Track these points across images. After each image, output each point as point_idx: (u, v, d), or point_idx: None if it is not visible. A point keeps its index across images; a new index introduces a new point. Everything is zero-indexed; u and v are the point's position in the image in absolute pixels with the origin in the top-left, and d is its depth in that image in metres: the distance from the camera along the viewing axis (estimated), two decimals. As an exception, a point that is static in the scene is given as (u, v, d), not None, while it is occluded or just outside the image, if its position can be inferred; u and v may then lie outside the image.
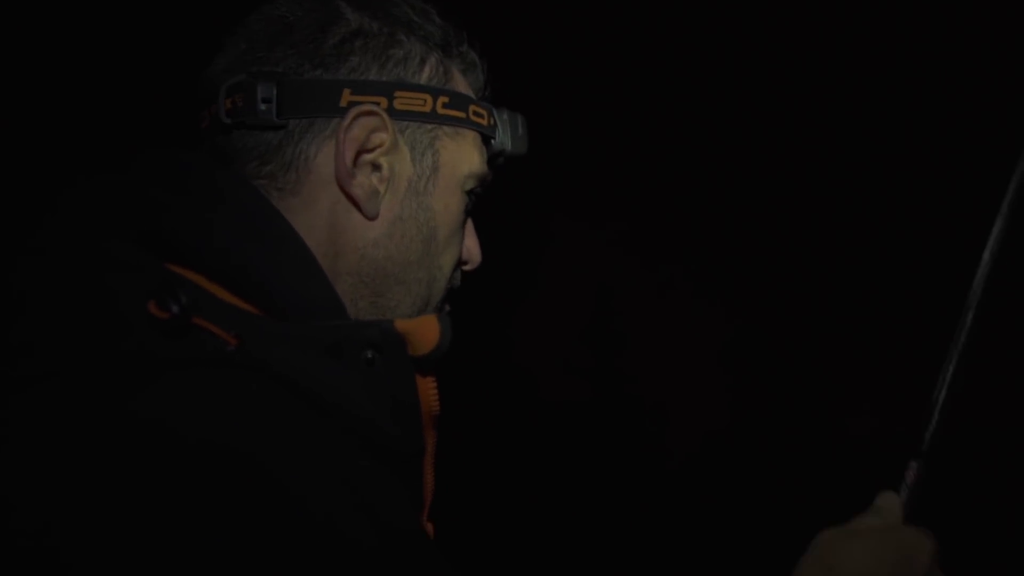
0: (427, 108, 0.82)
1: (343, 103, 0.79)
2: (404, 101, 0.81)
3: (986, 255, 0.89)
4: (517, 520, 3.00)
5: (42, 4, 1.91)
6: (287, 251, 0.77)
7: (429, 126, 0.83)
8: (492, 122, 0.89)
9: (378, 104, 0.79)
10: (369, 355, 0.73)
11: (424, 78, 0.83)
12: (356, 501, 0.64)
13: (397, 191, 0.82)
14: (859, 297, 3.09)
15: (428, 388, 0.78)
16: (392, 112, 0.80)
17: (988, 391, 2.73)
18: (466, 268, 0.93)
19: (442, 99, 0.83)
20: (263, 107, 0.77)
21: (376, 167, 0.81)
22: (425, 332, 0.76)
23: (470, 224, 0.92)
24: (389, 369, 0.74)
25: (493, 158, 0.91)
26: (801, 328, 3.17)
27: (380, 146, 0.80)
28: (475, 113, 0.86)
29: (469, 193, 0.88)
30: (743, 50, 2.94)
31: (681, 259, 3.23)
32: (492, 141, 0.90)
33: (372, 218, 0.80)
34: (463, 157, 0.85)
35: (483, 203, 0.93)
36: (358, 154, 0.79)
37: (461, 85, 0.87)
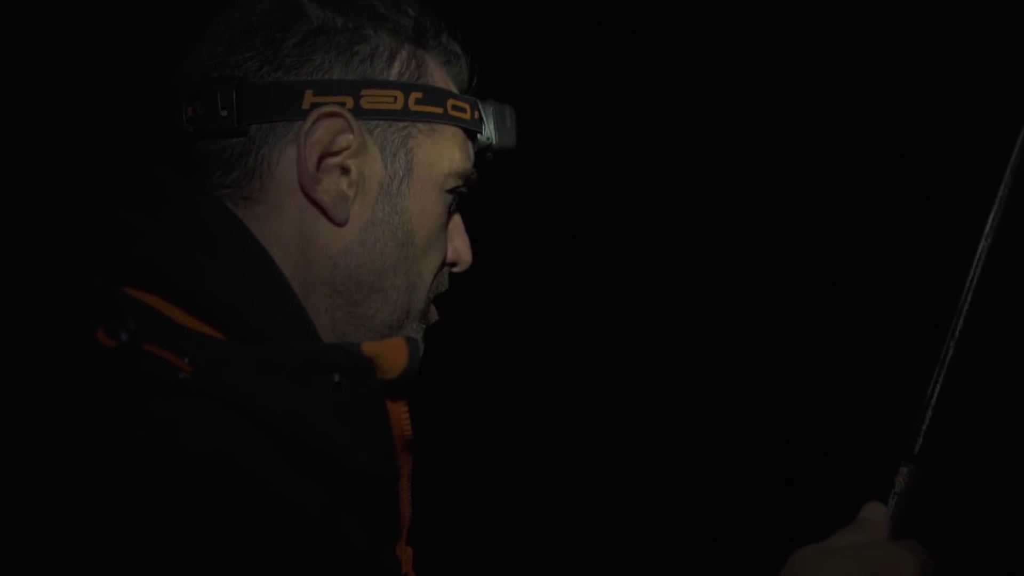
0: (397, 106, 0.78)
1: (305, 105, 0.75)
2: (372, 99, 0.77)
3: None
4: (572, 533, 2.94)
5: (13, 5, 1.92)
6: (250, 268, 0.74)
7: (401, 124, 0.79)
8: (476, 116, 0.84)
9: (343, 104, 0.76)
10: (336, 379, 0.69)
11: (394, 74, 0.79)
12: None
13: (368, 195, 0.78)
14: (927, 298, 2.94)
15: (399, 412, 0.74)
16: (359, 112, 0.76)
17: (991, 386, 2.58)
18: (456, 270, 0.88)
19: (415, 95, 0.78)
20: (223, 113, 0.74)
21: (344, 170, 0.77)
22: (393, 355, 0.72)
23: (459, 224, 0.88)
24: (357, 394, 0.70)
25: (480, 153, 0.86)
26: (867, 331, 3.04)
27: (346, 148, 0.76)
28: (455, 107, 0.81)
29: (452, 192, 0.83)
30: (813, 32, 2.83)
31: (737, 260, 3.12)
32: (478, 136, 0.85)
33: (341, 224, 0.77)
34: (441, 155, 0.81)
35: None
36: (322, 157, 0.75)
37: (439, 79, 0.82)
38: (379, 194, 0.78)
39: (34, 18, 1.94)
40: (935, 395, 0.82)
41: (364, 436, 0.71)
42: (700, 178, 3.09)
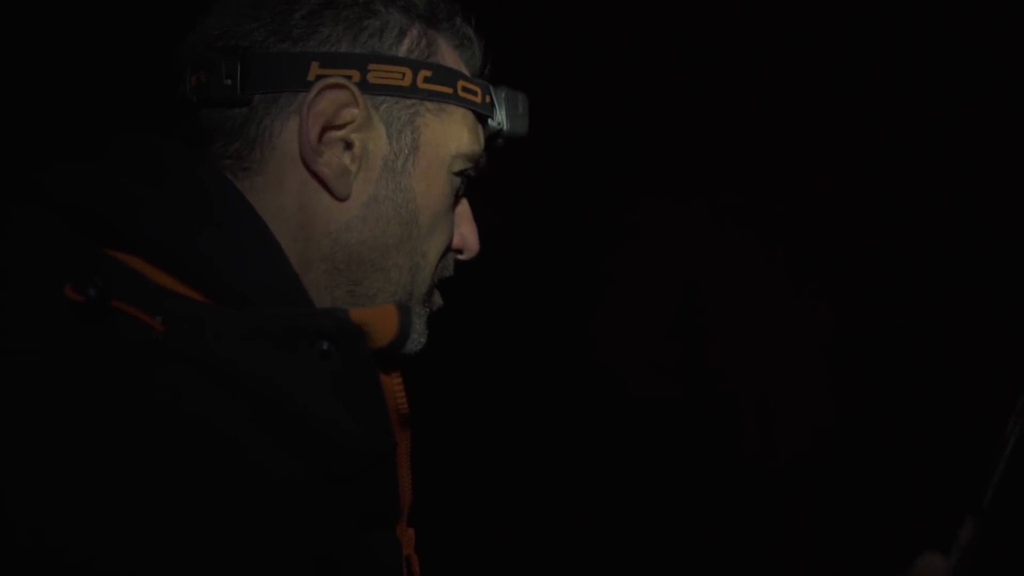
0: (406, 82, 0.77)
1: (310, 77, 0.74)
2: (379, 74, 0.76)
3: None
4: (613, 525, 2.89)
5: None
6: (242, 235, 0.71)
7: (409, 101, 0.77)
8: (488, 100, 0.83)
9: (349, 78, 0.74)
10: (324, 347, 0.67)
11: (403, 50, 0.78)
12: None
13: (371, 170, 0.77)
14: (982, 284, 2.83)
15: (393, 384, 0.73)
16: (365, 86, 0.75)
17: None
18: (462, 257, 0.87)
19: (423, 73, 0.77)
20: (227, 82, 0.74)
21: (348, 145, 0.76)
22: (382, 323, 0.70)
23: (467, 210, 0.86)
24: (347, 363, 0.68)
25: (491, 139, 0.86)
26: (918, 317, 2.94)
27: (351, 122, 0.75)
28: (465, 89, 0.80)
29: (460, 175, 0.82)
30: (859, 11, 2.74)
31: (778, 246, 3.04)
32: (489, 121, 0.85)
33: (343, 199, 0.75)
34: (449, 135, 0.80)
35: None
36: (324, 130, 0.74)
37: (450, 59, 0.81)
38: (383, 170, 0.77)
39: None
40: (1010, 444, 0.73)
41: (356, 409, 0.68)
42: (743, 159, 3.02)
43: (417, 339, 0.81)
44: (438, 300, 0.85)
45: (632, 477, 2.94)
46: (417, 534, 0.84)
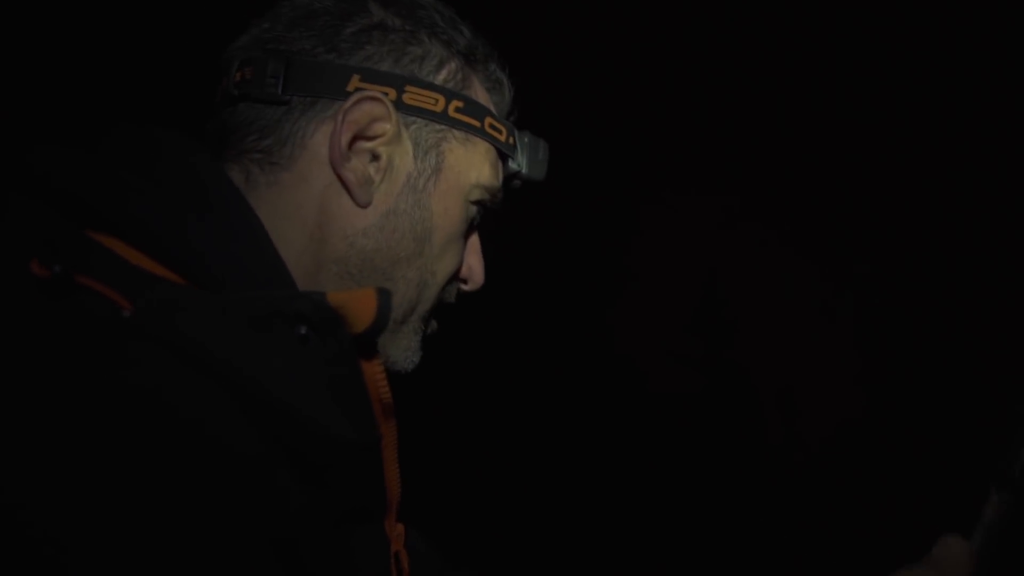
0: (438, 108, 0.81)
1: (350, 88, 0.79)
2: (414, 96, 0.80)
3: None
4: (636, 520, 2.87)
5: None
6: (225, 219, 0.73)
7: (438, 127, 0.82)
8: (511, 141, 0.88)
9: (386, 94, 0.79)
10: (303, 331, 0.66)
11: (440, 79, 0.82)
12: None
13: (394, 184, 0.81)
14: (1006, 267, 2.77)
15: (374, 372, 0.72)
16: (400, 105, 0.80)
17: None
18: (466, 288, 0.90)
19: (456, 103, 0.82)
20: (270, 81, 0.78)
21: (375, 156, 0.80)
22: (361, 306, 0.68)
23: (476, 243, 0.90)
24: (326, 348, 0.67)
25: (509, 179, 0.90)
26: (944, 308, 2.88)
27: (381, 136, 0.79)
28: (492, 126, 0.85)
29: (476, 204, 0.86)
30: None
31: (801, 236, 3.00)
32: (509, 161, 0.89)
33: (364, 206, 0.79)
34: (471, 165, 0.84)
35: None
36: (355, 139, 0.79)
37: (482, 98, 0.86)
38: (405, 186, 0.81)
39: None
40: None
41: (336, 396, 0.67)
42: (765, 152, 2.98)
43: (411, 358, 0.84)
44: (435, 326, 0.88)
45: (655, 471, 2.92)
46: (408, 530, 0.84)
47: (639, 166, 2.98)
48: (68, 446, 0.53)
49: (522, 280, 2.90)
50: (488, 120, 0.84)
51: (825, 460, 2.98)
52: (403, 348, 0.83)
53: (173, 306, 0.62)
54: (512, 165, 0.89)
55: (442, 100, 0.81)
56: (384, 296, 0.69)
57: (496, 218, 0.91)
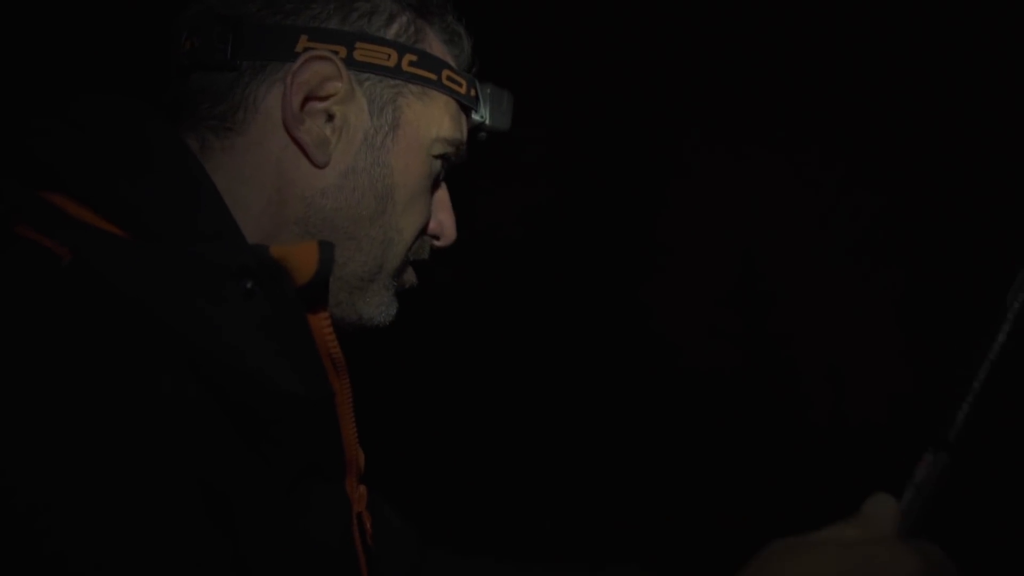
0: (391, 63, 0.81)
1: (298, 48, 0.78)
2: (365, 53, 0.80)
3: None
4: (675, 499, 2.84)
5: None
6: (171, 176, 0.74)
7: (392, 82, 0.81)
8: (472, 93, 0.87)
9: (336, 52, 0.79)
10: (248, 286, 0.67)
11: (391, 34, 0.82)
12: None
13: (351, 143, 0.80)
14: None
15: (321, 325, 0.73)
16: (351, 62, 0.79)
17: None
18: (438, 244, 0.89)
19: (409, 56, 0.81)
20: (218, 47, 0.78)
21: (329, 116, 0.79)
22: (303, 257, 0.70)
23: (445, 198, 0.89)
24: (271, 301, 0.68)
25: (474, 131, 0.89)
26: (992, 277, 2.77)
27: (333, 95, 0.79)
28: (449, 79, 0.84)
29: (440, 159, 0.85)
30: None
31: (844, 207, 2.92)
32: (472, 113, 0.88)
33: (321, 166, 0.79)
34: (430, 119, 0.83)
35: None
36: (307, 100, 0.78)
37: (437, 51, 0.85)
38: (362, 144, 0.80)
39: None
40: (983, 376, 0.67)
41: (281, 350, 0.68)
42: (806, 122, 2.90)
43: (386, 311, 0.84)
44: (412, 279, 0.87)
45: (690, 449, 2.88)
46: (373, 494, 0.83)
47: (676, 140, 2.93)
48: None
49: (558, 256, 2.88)
50: (445, 72, 0.83)
51: (870, 436, 2.91)
52: (375, 304, 0.83)
53: (110, 257, 0.64)
54: (476, 117, 0.88)
55: (394, 55, 0.80)
56: (326, 248, 0.70)
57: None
